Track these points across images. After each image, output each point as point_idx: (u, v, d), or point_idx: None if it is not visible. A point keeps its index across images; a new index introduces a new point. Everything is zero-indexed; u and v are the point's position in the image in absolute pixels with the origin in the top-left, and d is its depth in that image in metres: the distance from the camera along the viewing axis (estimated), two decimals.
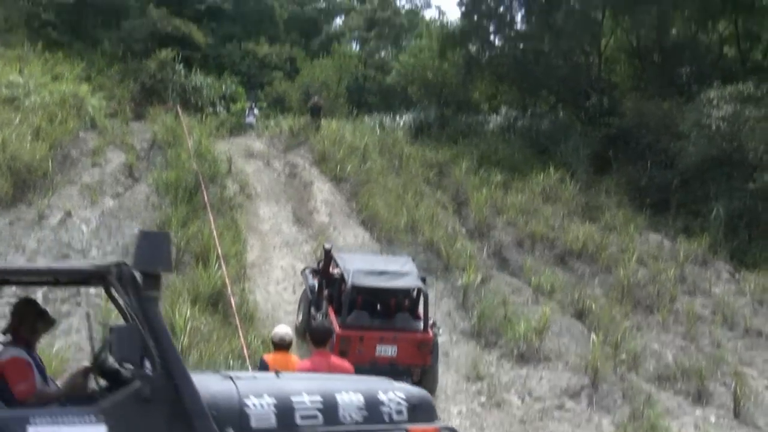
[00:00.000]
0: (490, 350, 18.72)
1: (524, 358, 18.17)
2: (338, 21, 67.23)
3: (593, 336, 18.82)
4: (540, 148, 33.91)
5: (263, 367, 9.53)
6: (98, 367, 6.71)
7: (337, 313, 15.42)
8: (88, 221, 21.52)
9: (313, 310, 16.78)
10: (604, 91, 35.73)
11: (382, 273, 15.87)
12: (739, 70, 33.50)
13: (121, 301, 6.11)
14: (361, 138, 32.12)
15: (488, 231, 25.79)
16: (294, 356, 10.11)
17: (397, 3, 64.33)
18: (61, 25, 42.59)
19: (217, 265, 18.71)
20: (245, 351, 15.42)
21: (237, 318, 16.42)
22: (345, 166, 28.28)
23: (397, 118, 39.99)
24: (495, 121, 38.73)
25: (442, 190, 29.15)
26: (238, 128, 39.39)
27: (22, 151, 22.32)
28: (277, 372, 7.09)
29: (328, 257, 16.88)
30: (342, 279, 15.81)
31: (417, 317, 15.78)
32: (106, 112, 30.98)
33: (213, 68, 47.77)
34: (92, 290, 17.87)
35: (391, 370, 13.09)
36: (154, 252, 5.86)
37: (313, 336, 9.06)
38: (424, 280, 16.43)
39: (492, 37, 39.03)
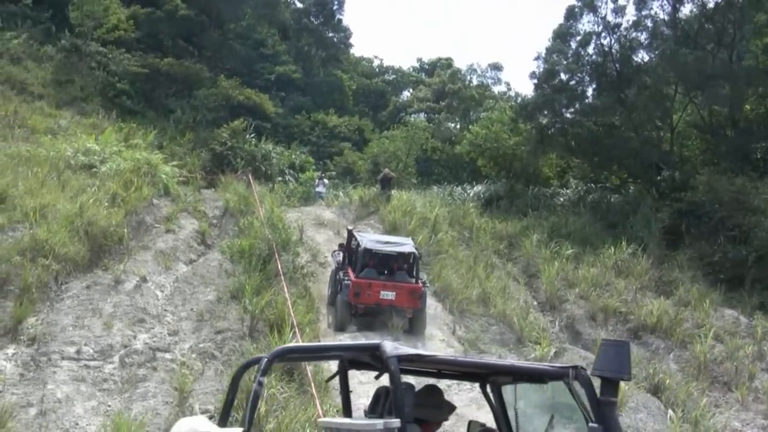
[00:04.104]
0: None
1: None
2: (406, 93, 68.09)
3: (671, 412, 18.41)
4: (611, 222, 33.67)
5: None
6: None
7: (354, 270, 22.03)
8: (162, 287, 21.72)
9: (340, 275, 22.76)
10: (676, 166, 35.47)
11: (387, 242, 23.02)
12: None
13: (578, 401, 6.30)
14: (431, 209, 32.16)
15: (560, 304, 25.56)
16: None
17: (467, 78, 65.13)
18: (135, 94, 43.89)
19: (291, 333, 18.66)
20: None
21: (313, 386, 16.32)
22: (416, 237, 28.29)
23: (467, 189, 40.08)
24: (565, 194, 38.66)
25: (513, 262, 29.11)
26: (308, 197, 39.77)
27: (99, 217, 22.63)
28: None
29: (350, 235, 23.65)
30: (358, 247, 22.45)
31: (412, 277, 22.25)
32: (178, 180, 31.42)
33: (282, 138, 48.53)
34: (167, 356, 18.01)
35: (391, 311, 21.27)
36: (615, 360, 6.13)
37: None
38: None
39: (563, 110, 39.05)
